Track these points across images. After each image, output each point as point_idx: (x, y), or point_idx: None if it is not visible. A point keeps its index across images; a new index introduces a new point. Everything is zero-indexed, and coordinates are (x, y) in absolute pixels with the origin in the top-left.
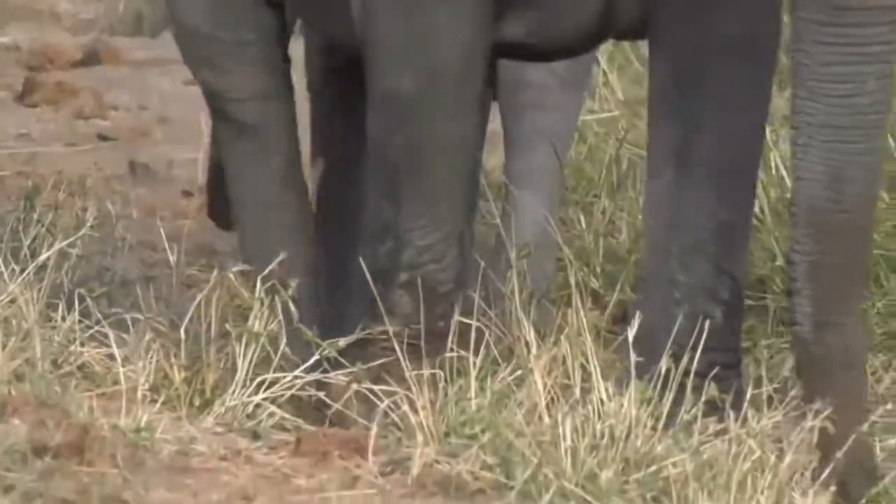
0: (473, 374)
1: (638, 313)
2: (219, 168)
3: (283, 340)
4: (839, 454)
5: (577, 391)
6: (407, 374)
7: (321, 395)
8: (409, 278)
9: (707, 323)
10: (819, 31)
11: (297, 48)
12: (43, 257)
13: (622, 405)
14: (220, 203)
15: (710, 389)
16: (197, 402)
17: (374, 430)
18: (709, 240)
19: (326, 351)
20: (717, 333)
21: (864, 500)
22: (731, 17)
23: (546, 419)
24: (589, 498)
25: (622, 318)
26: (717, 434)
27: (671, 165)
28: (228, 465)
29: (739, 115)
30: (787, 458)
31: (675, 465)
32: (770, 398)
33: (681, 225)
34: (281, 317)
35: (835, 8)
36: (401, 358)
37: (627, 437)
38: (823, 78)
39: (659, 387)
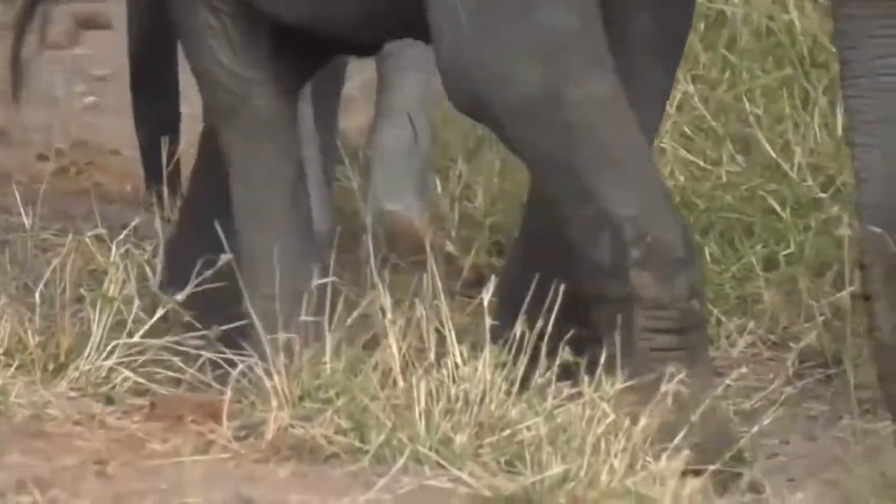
0: (328, 338)
1: (493, 277)
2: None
3: (136, 303)
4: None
5: (432, 355)
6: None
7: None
8: (641, 253)
9: (561, 288)
10: (868, 25)
11: None
12: None
13: (477, 369)
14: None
15: (565, 354)
16: (51, 366)
17: (229, 394)
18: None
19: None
20: (572, 298)
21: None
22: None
23: (401, 383)
24: (443, 462)
25: (477, 283)
26: (571, 398)
27: None
28: (82, 429)
29: None
30: (641, 422)
31: (528, 428)
32: (624, 363)
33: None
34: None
35: None
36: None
37: (482, 401)
38: (878, 72)
39: (513, 351)
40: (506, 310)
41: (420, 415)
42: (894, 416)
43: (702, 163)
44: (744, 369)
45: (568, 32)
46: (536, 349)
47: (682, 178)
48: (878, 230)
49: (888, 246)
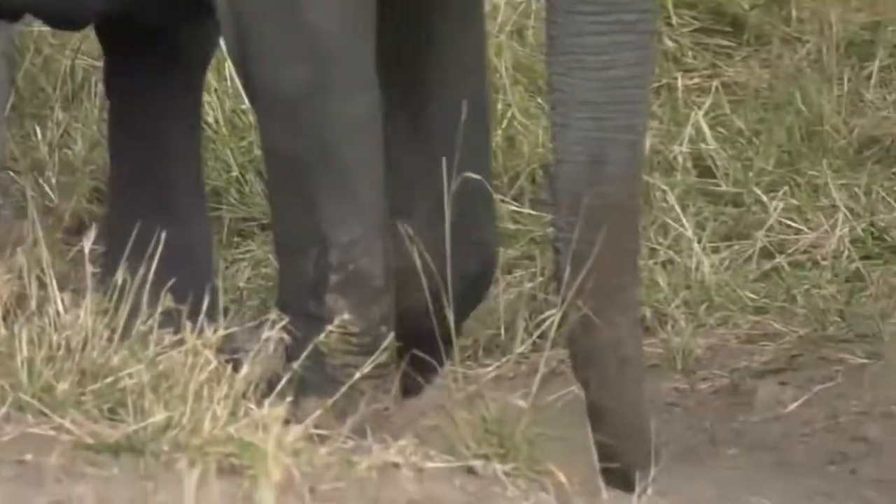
0: None
1: (94, 224)
2: None
3: None
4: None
5: (34, 303)
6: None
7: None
8: (341, 278)
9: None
10: (571, 0)
11: None
12: None
13: (78, 317)
14: None
15: (166, 301)
16: None
17: None
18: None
19: None
20: (174, 247)
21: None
22: None
23: (2, 331)
24: (45, 409)
25: (78, 230)
26: (174, 345)
27: None
28: None
29: None
30: (244, 370)
31: (131, 376)
32: (227, 309)
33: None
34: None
35: None
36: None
37: (84, 348)
38: (577, 50)
39: (115, 298)
40: (108, 257)
41: (22, 362)
42: (587, 397)
43: None
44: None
45: (338, 42)
46: (138, 296)
47: None
48: (566, 216)
49: (577, 231)
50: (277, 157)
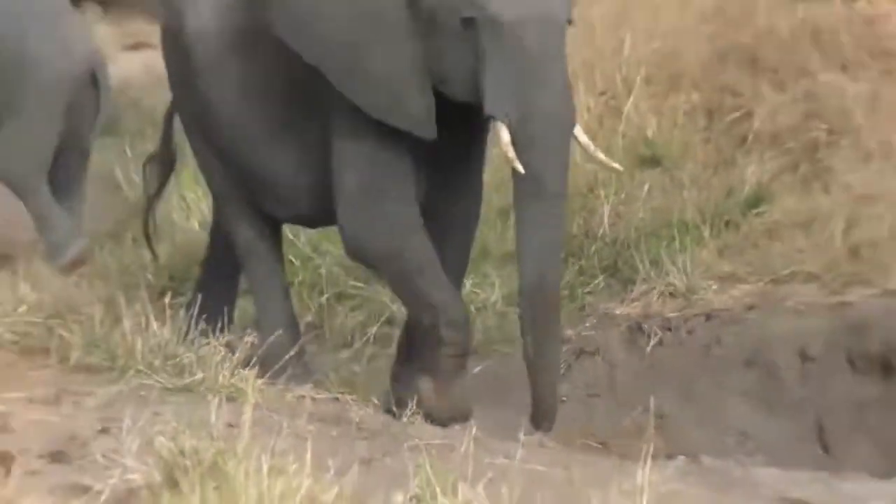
0: None
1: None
2: None
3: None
4: None
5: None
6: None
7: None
8: (447, 323)
9: None
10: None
11: None
12: None
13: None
14: None
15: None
16: None
17: None
18: None
19: None
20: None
21: None
22: None
23: None
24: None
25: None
26: None
27: None
28: None
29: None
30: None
31: None
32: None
33: None
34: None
35: None
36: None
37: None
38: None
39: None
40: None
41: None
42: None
43: None
44: None
45: (404, 219)
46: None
47: None
48: None
49: None
50: (391, 283)
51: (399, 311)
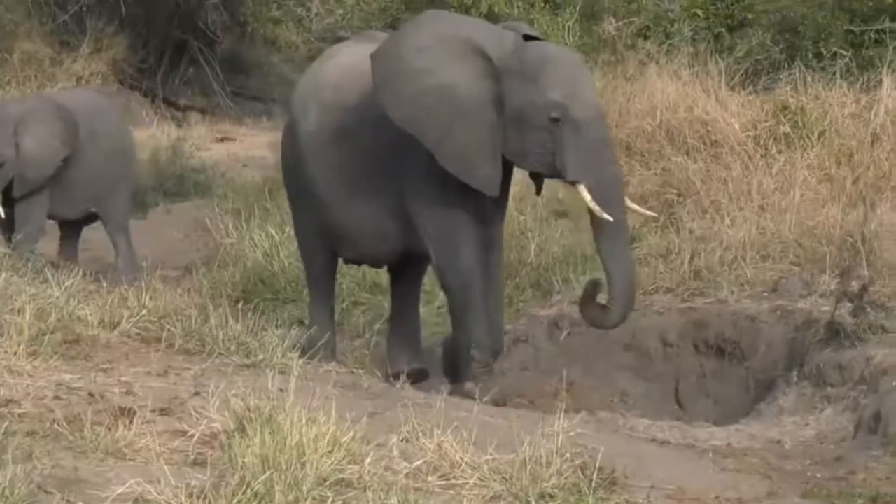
0: None
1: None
2: None
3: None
4: None
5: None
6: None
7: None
8: (481, 349)
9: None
10: None
11: None
12: None
13: None
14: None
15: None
16: None
17: None
18: None
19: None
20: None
21: None
22: None
23: None
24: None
25: None
26: None
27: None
28: None
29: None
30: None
31: None
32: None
33: None
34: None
35: None
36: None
37: None
38: None
39: None
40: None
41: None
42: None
43: None
44: None
45: (472, 261)
46: None
47: None
48: None
49: None
50: (450, 305)
51: None
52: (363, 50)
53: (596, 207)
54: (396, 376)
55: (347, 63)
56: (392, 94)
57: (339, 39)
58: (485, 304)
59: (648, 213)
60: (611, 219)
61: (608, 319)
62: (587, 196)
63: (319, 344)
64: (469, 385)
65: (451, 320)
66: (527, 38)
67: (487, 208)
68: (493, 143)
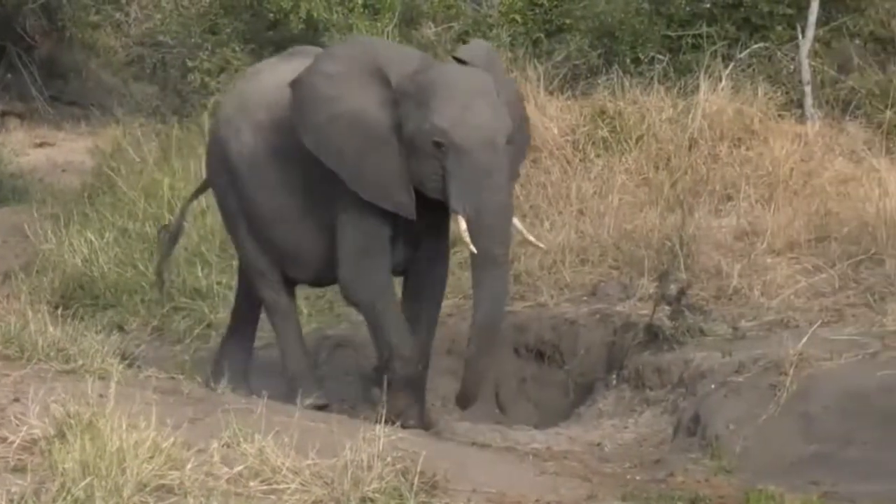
0: None
1: None
2: None
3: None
4: None
5: None
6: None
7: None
8: (400, 360)
9: None
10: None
11: None
12: None
13: None
14: None
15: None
16: None
17: None
18: None
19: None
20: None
21: None
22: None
23: None
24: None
25: None
26: None
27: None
28: None
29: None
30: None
31: None
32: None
33: None
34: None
35: None
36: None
37: None
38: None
39: None
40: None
41: None
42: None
43: None
44: None
45: (380, 280)
46: None
47: None
48: None
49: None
50: (366, 322)
51: (215, 318)
52: (289, 68)
53: (467, 240)
54: (217, 381)
55: (276, 82)
56: (305, 123)
57: (158, 44)
58: (416, 325)
59: (539, 244)
60: (477, 251)
61: (466, 358)
62: (462, 226)
63: (298, 379)
64: (375, 391)
65: (372, 336)
66: (460, 60)
67: (415, 230)
68: (402, 169)
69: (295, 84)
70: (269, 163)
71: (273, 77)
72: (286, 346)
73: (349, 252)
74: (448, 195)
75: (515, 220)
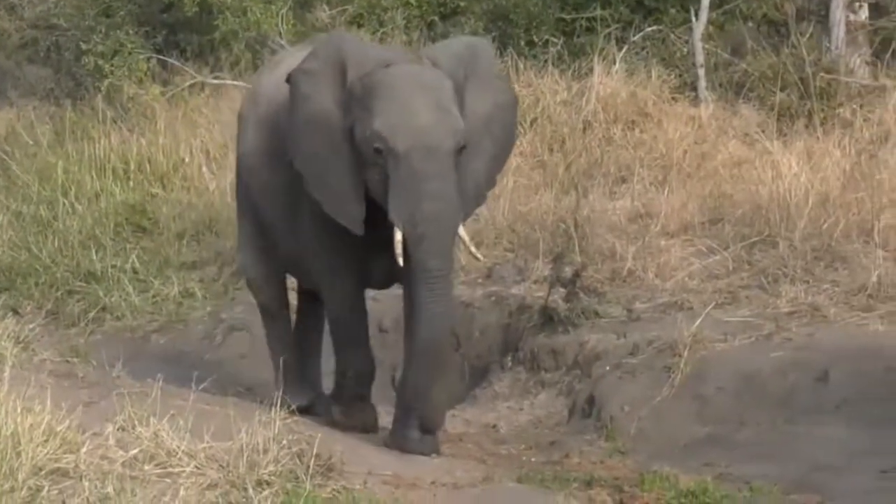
0: None
1: None
2: None
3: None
4: None
5: None
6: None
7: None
8: (352, 375)
9: None
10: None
11: None
12: None
13: None
14: None
15: None
16: None
17: None
18: None
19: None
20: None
21: None
22: None
23: None
24: None
25: None
26: None
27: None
28: None
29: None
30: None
31: None
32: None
33: None
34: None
35: None
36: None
37: None
38: None
39: None
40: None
41: None
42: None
43: None
44: None
45: (349, 297)
46: None
47: None
48: None
49: None
50: (330, 331)
51: (110, 301)
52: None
53: (399, 251)
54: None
55: (283, 73)
56: (288, 122)
57: (52, 27)
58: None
59: (479, 256)
60: (411, 264)
61: (404, 386)
62: (398, 237)
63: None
64: (335, 409)
65: (334, 347)
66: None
67: (381, 246)
68: (355, 178)
69: (288, 79)
70: (266, 164)
71: (285, 68)
72: (273, 333)
73: (318, 270)
74: (387, 205)
75: (462, 231)
